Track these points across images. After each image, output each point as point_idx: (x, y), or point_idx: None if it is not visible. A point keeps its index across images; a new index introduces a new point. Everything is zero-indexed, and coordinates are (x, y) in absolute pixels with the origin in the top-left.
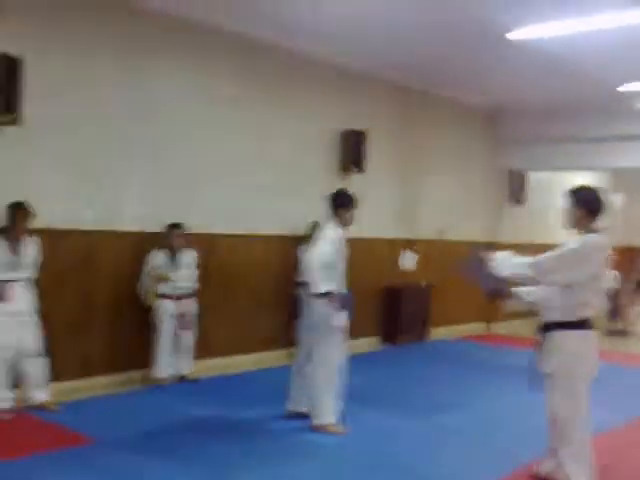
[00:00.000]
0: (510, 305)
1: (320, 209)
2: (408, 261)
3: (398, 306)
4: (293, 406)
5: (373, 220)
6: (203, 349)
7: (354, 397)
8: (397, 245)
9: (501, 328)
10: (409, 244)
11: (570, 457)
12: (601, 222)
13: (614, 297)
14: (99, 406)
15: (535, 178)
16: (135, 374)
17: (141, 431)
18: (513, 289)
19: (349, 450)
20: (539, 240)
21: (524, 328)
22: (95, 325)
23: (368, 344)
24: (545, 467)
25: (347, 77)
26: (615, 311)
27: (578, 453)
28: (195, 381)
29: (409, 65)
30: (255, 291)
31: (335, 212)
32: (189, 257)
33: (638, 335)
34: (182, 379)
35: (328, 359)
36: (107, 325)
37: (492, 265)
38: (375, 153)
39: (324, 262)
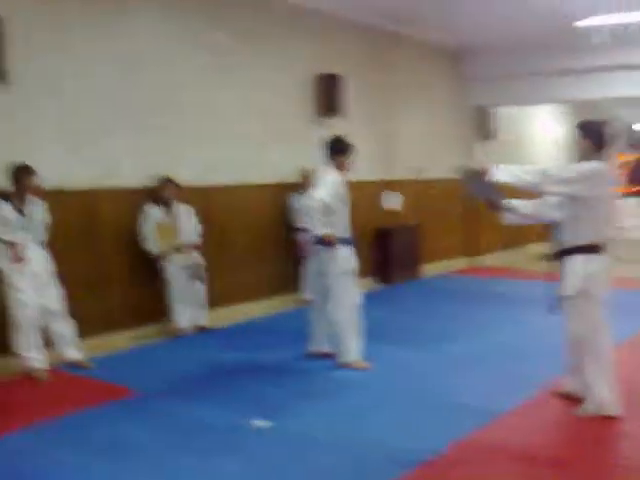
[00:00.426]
0: (505, 218)
1: (304, 155)
2: (392, 202)
3: (390, 246)
4: (315, 347)
5: (356, 163)
6: (210, 299)
7: (365, 335)
8: (382, 187)
9: (483, 261)
10: (390, 185)
11: (594, 373)
12: (606, 153)
13: None
14: (129, 359)
15: (505, 112)
16: (153, 327)
17: (178, 378)
18: (509, 201)
19: (378, 383)
20: None
21: (503, 259)
22: (109, 282)
23: (364, 285)
24: (566, 385)
25: (320, 20)
26: None
27: (602, 368)
28: (212, 330)
29: (379, 6)
30: (252, 239)
31: (332, 158)
32: (185, 210)
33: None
34: (200, 329)
35: (345, 300)
36: (120, 281)
37: (493, 171)
38: (352, 96)
39: (323, 206)
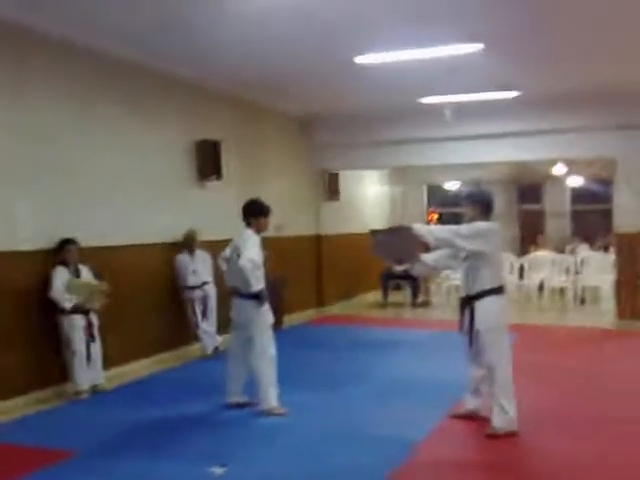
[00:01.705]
0: (416, 270)
1: (189, 216)
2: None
3: None
4: (234, 398)
5: (231, 222)
6: (103, 359)
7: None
8: None
9: (329, 310)
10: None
11: (502, 395)
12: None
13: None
14: (44, 422)
15: (347, 175)
16: (52, 390)
17: (111, 437)
18: (422, 255)
19: (302, 425)
20: (354, 230)
21: (344, 308)
22: (8, 345)
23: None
24: (467, 406)
25: (195, 90)
26: (416, 287)
27: (508, 391)
28: (110, 391)
29: (241, 78)
30: (142, 297)
31: (251, 220)
32: (87, 272)
33: (437, 305)
34: (96, 390)
35: (268, 351)
36: (20, 344)
37: (419, 233)
38: (227, 161)
39: (256, 265)
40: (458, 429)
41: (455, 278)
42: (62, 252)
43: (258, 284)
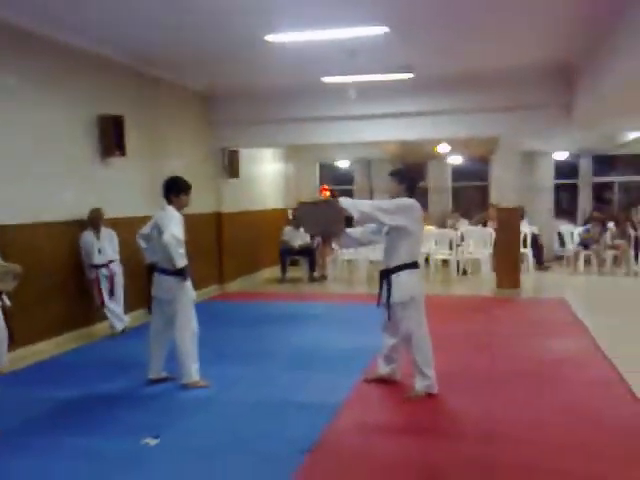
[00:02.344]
0: (342, 243)
1: (92, 193)
2: None
3: None
4: (155, 374)
5: (134, 199)
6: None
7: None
8: None
9: (229, 287)
10: None
11: (422, 363)
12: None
13: (312, 251)
14: None
15: (244, 153)
16: None
17: (31, 416)
18: (347, 229)
19: (224, 397)
20: (253, 207)
21: (243, 284)
22: None
23: (138, 317)
24: (381, 371)
25: (95, 62)
26: (312, 262)
27: (427, 358)
28: (17, 371)
29: (146, 53)
30: (47, 277)
31: (172, 197)
32: None
33: (333, 279)
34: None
35: (189, 326)
36: None
37: (340, 201)
38: (130, 136)
39: (179, 241)
40: (375, 393)
41: (348, 253)
42: None
43: (182, 260)
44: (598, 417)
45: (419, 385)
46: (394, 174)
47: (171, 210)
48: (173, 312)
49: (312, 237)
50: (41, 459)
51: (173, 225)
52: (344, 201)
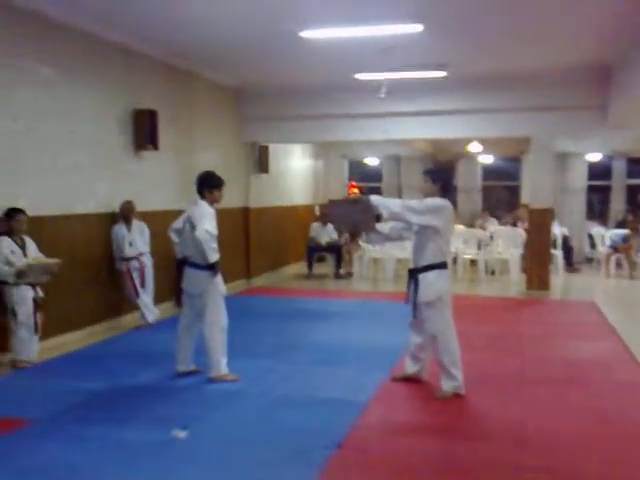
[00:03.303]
0: (371, 240)
1: (126, 187)
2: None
3: None
4: (184, 367)
5: (165, 192)
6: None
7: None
8: None
9: (256, 282)
10: None
11: (449, 363)
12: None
13: (339, 248)
14: None
15: (273, 148)
16: None
17: (65, 406)
18: (377, 225)
19: (255, 390)
20: (281, 203)
21: (270, 280)
22: None
23: (166, 309)
24: (408, 370)
25: (135, 60)
26: (339, 259)
27: (454, 359)
28: (45, 363)
29: (181, 47)
30: (79, 269)
31: (206, 192)
32: (31, 242)
33: (359, 276)
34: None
35: (220, 320)
36: None
37: (375, 204)
38: (163, 130)
39: (212, 236)
40: (401, 391)
41: (375, 251)
42: (10, 221)
43: (214, 255)
44: (629, 421)
45: (446, 385)
46: (429, 173)
47: (204, 205)
48: (203, 306)
49: (340, 234)
50: (69, 449)
51: (207, 220)
52: (375, 199)
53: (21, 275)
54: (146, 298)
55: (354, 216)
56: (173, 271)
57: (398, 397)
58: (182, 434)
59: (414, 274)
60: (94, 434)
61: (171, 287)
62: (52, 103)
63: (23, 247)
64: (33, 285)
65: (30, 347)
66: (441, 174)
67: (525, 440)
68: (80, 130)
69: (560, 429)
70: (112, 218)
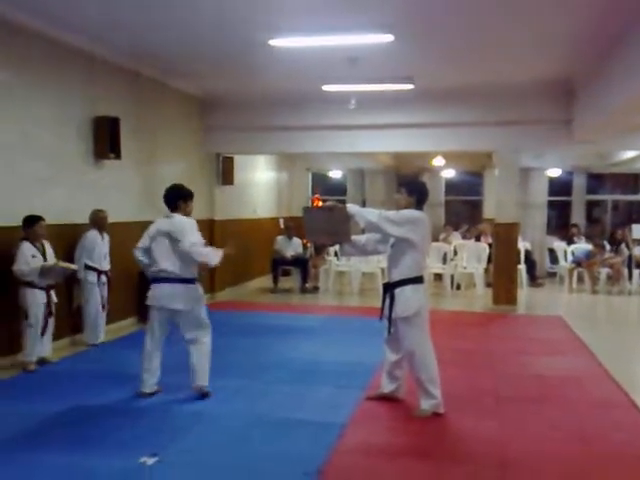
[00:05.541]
0: (345, 252)
1: (86, 196)
2: None
3: None
4: (149, 389)
5: (128, 204)
6: None
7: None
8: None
9: (219, 296)
10: None
11: (427, 380)
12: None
13: (304, 261)
14: None
15: (240, 160)
16: None
17: (17, 431)
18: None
19: (222, 411)
20: (246, 215)
21: (234, 294)
22: None
23: (127, 325)
24: (384, 389)
25: (97, 66)
26: (305, 273)
27: (432, 376)
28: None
29: (145, 54)
30: None
31: (179, 204)
32: (49, 247)
33: (324, 290)
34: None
35: (208, 323)
36: None
37: (351, 213)
38: (124, 139)
39: (202, 244)
40: (379, 411)
41: (341, 265)
42: (31, 228)
43: (215, 257)
44: (608, 441)
45: (425, 404)
46: (404, 185)
47: (181, 218)
48: (190, 320)
49: (305, 246)
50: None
51: (190, 232)
52: (351, 208)
53: (44, 272)
54: (102, 318)
55: (329, 226)
56: (132, 288)
57: (377, 417)
58: (151, 461)
59: (390, 289)
60: (57, 462)
61: (130, 303)
62: (6, 107)
63: (43, 251)
64: (47, 289)
65: (37, 349)
66: (416, 186)
67: (507, 462)
68: (35, 137)
69: (541, 450)
70: (72, 229)
